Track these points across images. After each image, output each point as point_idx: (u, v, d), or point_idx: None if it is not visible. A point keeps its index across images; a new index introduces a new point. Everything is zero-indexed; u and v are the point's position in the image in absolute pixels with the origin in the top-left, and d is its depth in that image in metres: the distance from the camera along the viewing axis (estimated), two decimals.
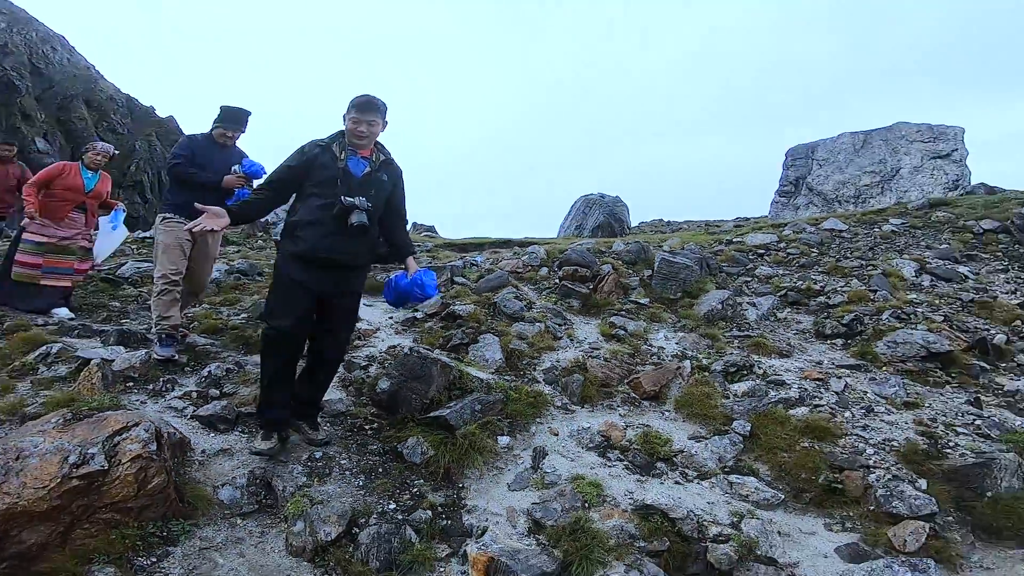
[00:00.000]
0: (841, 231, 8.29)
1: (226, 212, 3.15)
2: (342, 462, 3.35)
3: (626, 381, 4.60)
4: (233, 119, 4.62)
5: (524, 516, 2.97)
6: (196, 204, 3.23)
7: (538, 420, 3.93)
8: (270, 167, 3.64)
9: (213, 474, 3.10)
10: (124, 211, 6.10)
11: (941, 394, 4.99)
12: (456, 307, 5.73)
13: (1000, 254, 7.50)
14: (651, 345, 5.25)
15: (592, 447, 3.69)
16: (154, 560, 2.48)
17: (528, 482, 3.30)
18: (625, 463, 3.58)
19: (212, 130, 4.63)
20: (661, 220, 14.95)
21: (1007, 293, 6.44)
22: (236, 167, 4.55)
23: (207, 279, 5.04)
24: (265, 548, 2.70)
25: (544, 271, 7.01)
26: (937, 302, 6.36)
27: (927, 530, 3.24)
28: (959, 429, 4.39)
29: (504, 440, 3.66)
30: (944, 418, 4.55)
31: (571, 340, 5.20)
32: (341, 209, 3.19)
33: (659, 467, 3.58)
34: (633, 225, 13.16)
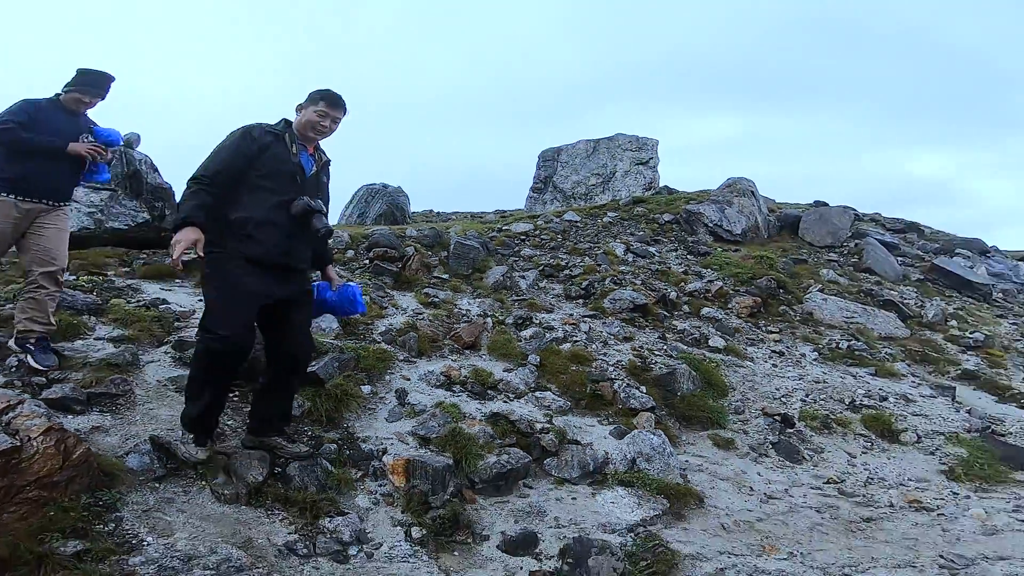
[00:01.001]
0: (576, 222, 10.11)
1: (189, 225, 2.58)
2: (229, 423, 3.41)
3: (449, 336, 5.34)
4: (94, 83, 3.64)
5: (411, 436, 3.53)
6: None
7: (389, 371, 4.42)
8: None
9: (104, 447, 2.93)
10: None
11: (644, 332, 6.80)
12: None
13: (674, 239, 10.04)
14: (460, 308, 6.06)
15: (439, 385, 4.36)
16: (113, 526, 2.39)
17: (402, 414, 3.83)
18: (467, 393, 4.35)
19: (63, 94, 3.65)
20: (432, 211, 15.67)
21: (677, 265, 8.86)
22: (86, 136, 3.66)
23: (64, 257, 3.76)
24: (198, 502, 2.74)
25: (351, 253, 7.25)
26: (637, 271, 8.41)
27: (653, 418, 4.69)
28: (656, 353, 6.15)
29: (367, 388, 4.09)
30: (647, 347, 6.30)
31: (396, 309, 5.71)
32: (302, 210, 2.77)
33: (490, 393, 4.43)
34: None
